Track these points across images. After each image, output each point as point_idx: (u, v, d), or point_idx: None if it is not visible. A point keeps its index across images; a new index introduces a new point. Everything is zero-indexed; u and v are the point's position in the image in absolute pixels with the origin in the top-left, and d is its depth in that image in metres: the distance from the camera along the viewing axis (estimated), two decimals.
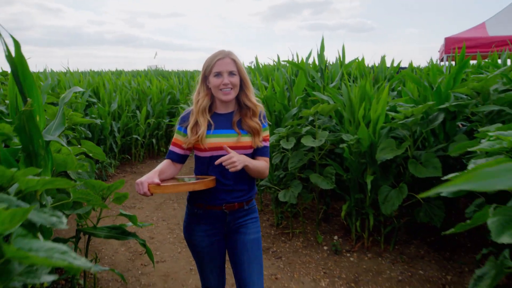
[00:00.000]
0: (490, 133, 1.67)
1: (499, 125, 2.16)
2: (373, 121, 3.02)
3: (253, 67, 6.23)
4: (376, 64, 6.44)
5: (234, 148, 1.64)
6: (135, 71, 17.93)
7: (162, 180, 1.58)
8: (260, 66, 6.00)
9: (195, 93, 1.75)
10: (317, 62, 4.72)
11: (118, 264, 3.05)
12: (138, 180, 1.48)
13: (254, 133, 1.70)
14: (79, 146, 2.46)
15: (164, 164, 1.73)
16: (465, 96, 3.05)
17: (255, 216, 1.79)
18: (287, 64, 5.05)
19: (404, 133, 2.97)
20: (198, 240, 1.72)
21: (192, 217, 1.74)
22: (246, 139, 1.68)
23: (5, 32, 1.16)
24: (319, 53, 4.52)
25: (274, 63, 6.07)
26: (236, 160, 1.51)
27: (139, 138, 6.31)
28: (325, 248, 3.28)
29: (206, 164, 1.69)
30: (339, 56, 4.99)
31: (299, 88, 4.08)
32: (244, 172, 1.68)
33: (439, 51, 8.72)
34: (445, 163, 2.78)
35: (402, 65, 8.20)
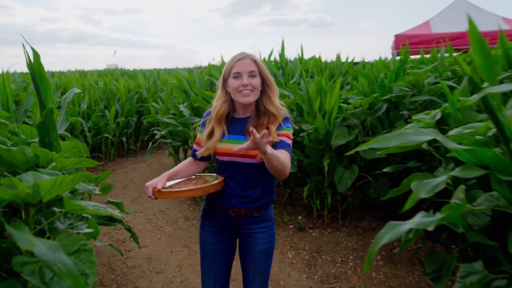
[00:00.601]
0: (413, 117, 2.12)
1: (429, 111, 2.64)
2: (328, 112, 3.44)
3: (218, 65, 6.54)
4: (334, 59, 6.94)
5: (241, 156, 1.58)
6: (100, 70, 17.68)
7: (175, 181, 1.65)
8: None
9: (215, 99, 1.68)
10: (278, 60, 5.13)
11: (103, 251, 3.31)
12: (146, 184, 1.55)
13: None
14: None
15: (184, 163, 1.75)
16: (404, 89, 3.54)
17: (268, 225, 1.70)
18: None
19: (354, 122, 3.42)
20: (206, 235, 1.72)
21: (205, 212, 1.74)
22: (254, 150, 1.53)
23: (27, 43, 1.44)
24: (280, 52, 4.92)
25: None
26: (256, 142, 1.32)
27: (109, 136, 6.47)
28: (291, 226, 3.69)
29: (219, 166, 1.67)
30: (298, 54, 5.42)
31: None
32: (255, 178, 1.62)
33: (391, 47, 9.40)
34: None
35: (360, 59, 8.80)
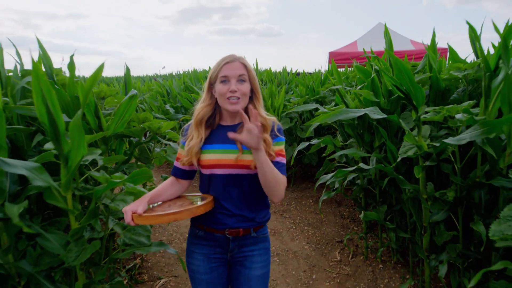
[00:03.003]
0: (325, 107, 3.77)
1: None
2: (276, 108, 5.05)
3: (191, 72, 8.01)
4: (281, 70, 8.69)
5: (232, 167, 1.41)
6: None
7: (158, 205, 1.48)
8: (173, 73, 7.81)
9: (198, 101, 1.53)
10: None
11: None
12: (124, 208, 1.36)
13: None
14: None
15: (165, 183, 1.56)
16: (326, 92, 5.26)
17: (265, 247, 1.54)
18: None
19: (294, 115, 5.07)
20: (196, 264, 1.51)
21: (192, 237, 1.54)
22: (247, 157, 1.40)
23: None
24: None
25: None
26: (253, 130, 1.23)
27: None
28: None
29: (207, 183, 1.49)
30: (253, 65, 7.03)
31: None
32: (250, 193, 1.46)
33: (327, 61, 11.34)
34: (318, 129, 4.93)
35: (306, 68, 10.61)
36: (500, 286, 1.70)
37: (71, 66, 2.35)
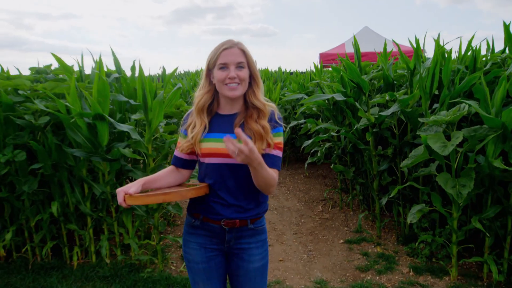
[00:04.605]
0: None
1: None
2: (274, 101, 6.14)
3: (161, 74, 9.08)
4: (276, 69, 9.82)
5: (228, 156, 1.34)
6: None
7: (157, 189, 1.46)
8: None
9: (197, 88, 1.49)
10: None
11: None
12: (117, 189, 1.34)
13: (256, 137, 1.37)
14: None
15: (164, 170, 1.55)
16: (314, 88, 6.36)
17: (263, 239, 1.51)
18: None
19: (287, 107, 6.17)
20: (193, 253, 1.49)
21: (189, 227, 1.52)
22: None
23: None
24: None
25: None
26: (245, 151, 1.15)
27: None
28: None
29: (204, 171, 1.46)
30: None
31: None
32: (246, 183, 1.41)
33: (318, 61, 12.46)
34: (307, 117, 6.03)
35: (300, 68, 11.76)
36: (426, 190, 2.81)
37: (133, 68, 3.44)
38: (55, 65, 3.77)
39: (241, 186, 1.42)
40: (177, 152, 1.53)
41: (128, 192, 1.32)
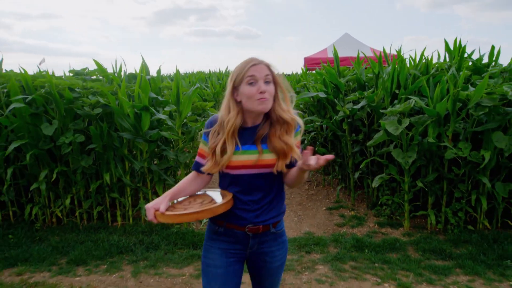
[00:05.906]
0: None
1: None
2: None
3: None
4: None
5: (253, 167, 1.44)
6: None
7: (178, 202, 1.51)
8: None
9: (223, 109, 1.48)
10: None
11: None
12: (147, 205, 1.40)
13: (280, 155, 1.43)
14: None
15: (186, 179, 1.58)
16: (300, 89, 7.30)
17: (283, 240, 1.58)
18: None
19: None
20: (213, 258, 1.52)
21: (211, 234, 1.55)
22: (268, 157, 1.44)
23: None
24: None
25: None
26: (320, 164, 1.27)
27: None
28: None
29: (228, 181, 1.51)
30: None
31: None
32: (270, 191, 1.50)
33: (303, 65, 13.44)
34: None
35: (285, 71, 12.59)
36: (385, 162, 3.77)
37: (159, 72, 4.30)
38: (72, 66, 4.60)
39: (265, 193, 1.48)
40: (199, 159, 1.54)
41: (159, 210, 1.37)
